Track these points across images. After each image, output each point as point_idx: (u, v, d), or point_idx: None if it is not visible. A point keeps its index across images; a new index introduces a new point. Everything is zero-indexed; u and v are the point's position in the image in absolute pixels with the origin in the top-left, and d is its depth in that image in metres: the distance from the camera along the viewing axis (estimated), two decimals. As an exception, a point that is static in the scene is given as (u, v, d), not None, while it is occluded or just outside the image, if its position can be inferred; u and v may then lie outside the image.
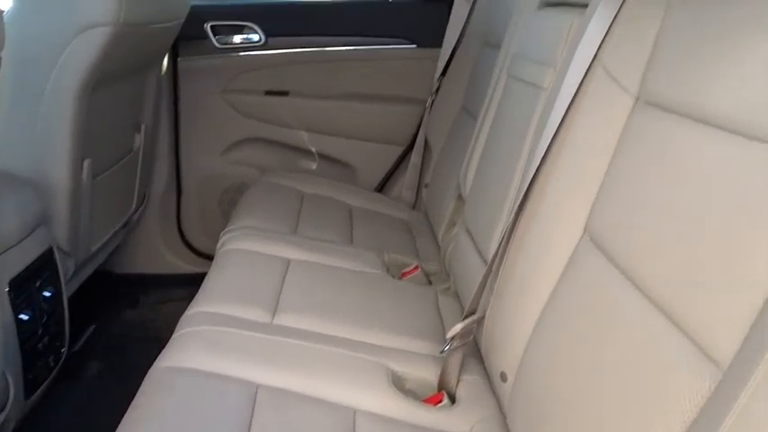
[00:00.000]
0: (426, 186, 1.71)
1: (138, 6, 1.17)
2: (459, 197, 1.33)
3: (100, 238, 1.49)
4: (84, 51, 1.12)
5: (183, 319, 0.97)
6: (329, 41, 1.81)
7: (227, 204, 1.95)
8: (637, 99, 0.70)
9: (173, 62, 1.80)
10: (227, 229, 1.40)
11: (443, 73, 1.73)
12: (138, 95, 1.60)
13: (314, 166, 1.93)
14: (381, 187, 1.94)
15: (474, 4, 1.67)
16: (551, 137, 0.79)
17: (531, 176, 0.81)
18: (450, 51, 1.72)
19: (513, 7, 1.26)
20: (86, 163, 1.28)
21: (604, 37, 0.76)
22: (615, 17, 0.75)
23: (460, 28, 1.70)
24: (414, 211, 1.77)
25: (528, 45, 1.06)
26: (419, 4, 1.86)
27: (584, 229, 0.73)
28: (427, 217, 1.63)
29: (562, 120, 0.78)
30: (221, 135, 1.90)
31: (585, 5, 0.87)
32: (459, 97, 1.61)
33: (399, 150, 1.89)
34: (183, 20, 1.55)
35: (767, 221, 0.47)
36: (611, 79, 0.73)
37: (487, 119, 1.20)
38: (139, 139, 1.63)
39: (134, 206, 1.71)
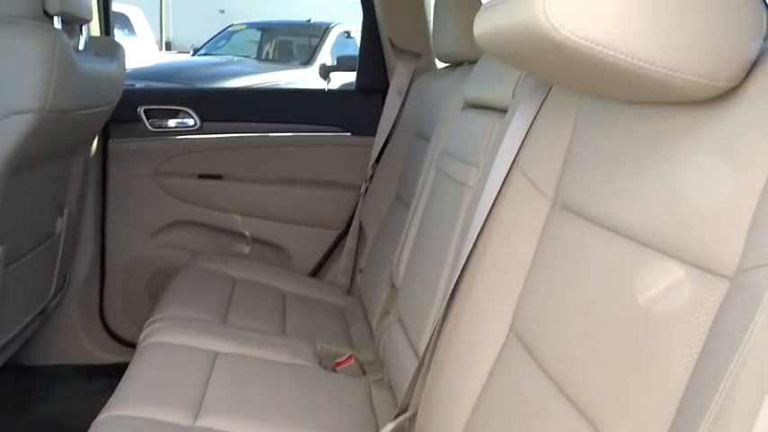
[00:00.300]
0: (361, 271, 1.71)
1: (66, 93, 1.15)
2: (393, 285, 1.33)
3: (10, 329, 1.38)
4: (5, 138, 1.08)
5: (94, 424, 0.90)
6: (265, 127, 1.84)
7: (156, 289, 1.88)
8: (553, 203, 0.73)
9: (102, 144, 1.76)
10: (151, 319, 1.34)
11: (377, 160, 1.78)
12: (63, 178, 1.54)
13: (247, 249, 1.90)
14: (316, 272, 1.92)
15: (406, 97, 1.75)
16: (476, 235, 0.81)
17: (459, 272, 0.83)
18: (383, 140, 1.77)
19: (441, 105, 1.32)
20: (0, 251, 1.21)
21: (522, 142, 0.80)
22: (532, 123, 0.80)
23: (393, 119, 1.77)
24: (348, 296, 1.76)
25: (454, 143, 1.11)
26: (354, 94, 1.93)
27: (510, 328, 0.75)
28: (362, 302, 1.62)
29: (486, 218, 0.81)
30: (151, 218, 1.85)
31: (505, 110, 0.93)
32: (393, 185, 1.65)
33: (334, 235, 1.89)
34: (114, 104, 1.53)
35: (662, 331, 0.49)
36: (529, 182, 0.77)
37: (418, 210, 1.23)
38: (62, 223, 1.57)
39: (52, 292, 1.61)
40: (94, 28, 1.69)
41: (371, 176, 1.78)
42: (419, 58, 1.78)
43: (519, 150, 0.80)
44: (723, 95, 0.49)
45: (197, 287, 1.56)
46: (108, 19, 1.73)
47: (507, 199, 0.79)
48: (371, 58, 1.86)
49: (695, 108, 0.53)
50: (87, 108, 1.31)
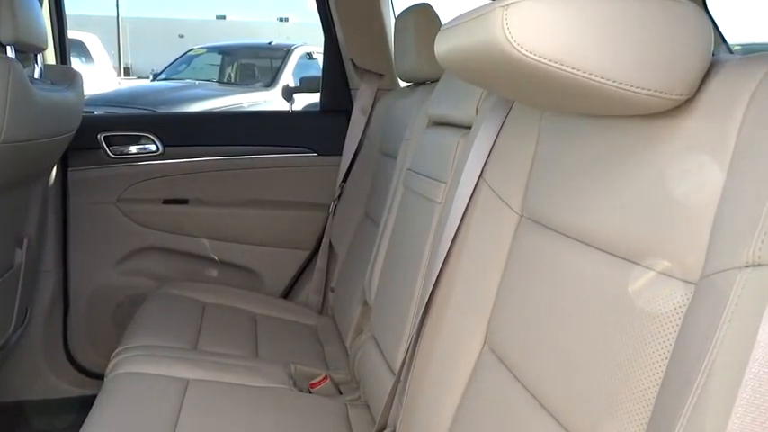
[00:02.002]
0: (332, 291, 1.70)
1: (21, 124, 1.12)
2: (366, 303, 1.33)
3: None
4: None
5: None
6: (230, 150, 1.83)
7: (122, 318, 1.83)
8: (521, 216, 0.75)
9: (62, 173, 1.73)
10: (118, 349, 1.31)
11: (345, 179, 1.78)
12: (22, 209, 1.50)
13: (216, 274, 1.87)
14: (287, 293, 1.90)
15: (370, 116, 1.77)
16: (447, 250, 0.82)
17: (432, 287, 0.83)
18: (350, 159, 1.78)
19: (406, 123, 1.34)
20: None
21: (488, 157, 0.82)
22: (496, 139, 0.82)
23: (359, 138, 1.78)
24: (321, 316, 1.74)
25: (421, 160, 1.12)
26: (319, 115, 1.94)
27: (485, 341, 0.75)
28: (335, 322, 1.61)
29: (456, 233, 0.82)
30: (115, 246, 1.81)
31: (469, 127, 0.94)
32: (362, 203, 1.65)
33: (304, 255, 1.88)
34: (73, 132, 1.51)
35: (633, 338, 0.51)
36: (495, 197, 0.78)
37: (388, 227, 1.24)
38: (21, 255, 1.52)
39: (12, 327, 1.56)
40: (50, 56, 1.66)
41: (339, 195, 1.78)
42: (382, 78, 1.80)
43: (485, 166, 0.81)
44: (678, 107, 0.51)
45: (165, 314, 1.53)
46: (64, 46, 1.71)
47: (476, 214, 0.81)
48: (334, 78, 1.88)
49: (652, 120, 0.55)
50: (44, 137, 1.28)
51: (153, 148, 1.78)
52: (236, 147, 1.82)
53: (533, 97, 0.65)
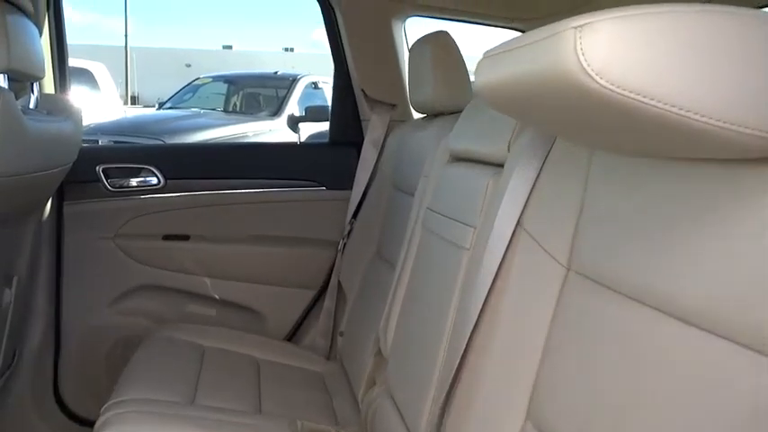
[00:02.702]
0: (341, 334, 1.59)
1: (10, 156, 1.04)
2: (380, 352, 1.22)
3: None
4: None
5: None
6: (234, 184, 1.74)
7: (116, 361, 1.72)
8: (568, 269, 0.65)
9: (57, 207, 1.64)
10: (109, 403, 1.20)
11: (355, 215, 1.69)
12: (12, 245, 1.41)
13: (217, 314, 1.77)
14: (292, 335, 1.79)
15: (382, 149, 1.68)
16: (481, 305, 0.72)
17: (464, 347, 0.73)
18: (360, 194, 1.69)
19: (423, 158, 1.25)
20: None
21: (526, 200, 0.72)
22: (536, 180, 0.72)
23: (370, 172, 1.69)
24: (329, 361, 1.63)
25: (443, 200, 1.03)
26: (328, 147, 1.85)
27: (527, 416, 0.65)
28: (344, 369, 1.50)
29: (491, 287, 0.72)
30: (111, 284, 1.71)
31: (500, 165, 0.85)
32: (373, 240, 1.55)
33: (311, 295, 1.78)
34: (69, 165, 1.42)
35: (704, 416, 0.41)
36: (537, 246, 0.68)
37: (405, 271, 1.14)
38: (9, 295, 1.42)
39: None
40: (49, 85, 1.58)
41: (349, 232, 1.68)
42: (394, 108, 1.72)
43: (523, 211, 0.72)
44: None
45: (161, 361, 1.43)
46: (64, 76, 1.63)
47: (514, 265, 0.71)
48: (344, 109, 1.80)
49: (741, 164, 0.45)
50: (37, 171, 1.19)
51: (154, 180, 1.69)
52: (241, 180, 1.73)
53: (589, 134, 0.56)
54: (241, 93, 7.34)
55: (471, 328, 0.72)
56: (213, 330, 1.64)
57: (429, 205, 1.09)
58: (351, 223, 1.68)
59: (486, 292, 0.71)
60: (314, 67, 7.94)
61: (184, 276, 1.74)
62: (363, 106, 1.75)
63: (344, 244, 1.69)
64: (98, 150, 1.65)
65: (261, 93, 7.40)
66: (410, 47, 1.44)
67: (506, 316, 0.70)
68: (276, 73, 7.91)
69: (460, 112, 1.31)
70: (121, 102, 10.29)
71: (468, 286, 0.79)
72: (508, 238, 0.71)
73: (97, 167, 1.65)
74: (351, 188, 1.72)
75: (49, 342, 1.67)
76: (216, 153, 1.79)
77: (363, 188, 1.68)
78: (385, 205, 1.54)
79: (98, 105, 7.09)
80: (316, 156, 1.81)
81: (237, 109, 7.16)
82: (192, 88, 7.54)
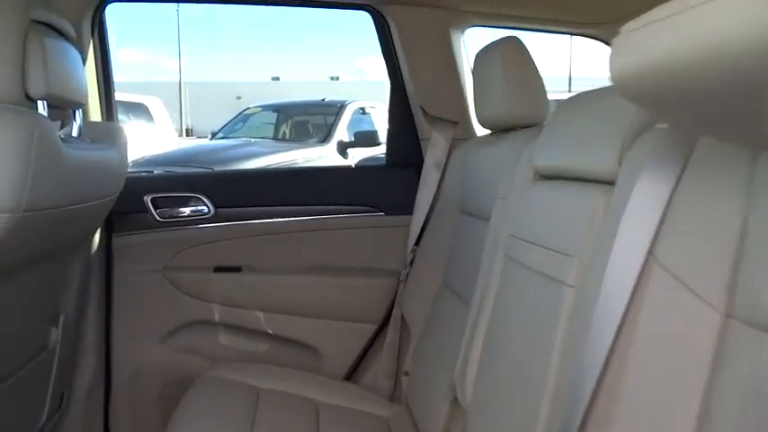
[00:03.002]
0: (407, 374, 1.44)
1: (48, 188, 0.95)
2: (456, 400, 1.07)
3: None
4: None
5: None
6: (287, 211, 1.63)
7: (168, 402, 1.62)
8: (726, 316, 0.49)
9: (106, 239, 1.57)
10: None
11: (417, 242, 1.55)
12: (59, 282, 1.33)
13: (272, 352, 1.65)
14: (351, 374, 1.65)
15: (445, 170, 1.54)
16: (604, 358, 0.56)
17: (584, 410, 0.57)
18: (422, 219, 1.55)
19: (497, 177, 1.10)
20: None
21: (659, 226, 0.56)
22: (671, 199, 0.57)
23: (432, 195, 1.55)
24: (393, 404, 1.48)
25: (530, 226, 0.88)
26: (385, 170, 1.73)
27: None
28: (412, 415, 1.35)
29: (617, 336, 0.56)
30: (161, 319, 1.62)
31: (608, 182, 0.70)
32: (439, 270, 1.41)
33: (371, 330, 1.64)
34: (116, 195, 1.35)
35: None
36: (679, 284, 0.53)
37: (485, 307, 0.99)
38: (56, 334, 1.34)
39: (45, 416, 1.36)
40: (95, 114, 1.53)
41: (412, 261, 1.54)
42: (456, 126, 1.59)
43: (655, 238, 0.56)
44: None
45: (214, 403, 1.32)
46: (110, 103, 1.57)
47: (646, 308, 0.55)
48: (402, 129, 1.67)
49: None
50: (80, 202, 1.11)
51: (203, 209, 1.60)
52: (294, 207, 1.63)
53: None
54: (290, 121, 7.41)
55: (594, 385, 0.56)
56: (267, 369, 1.52)
57: (512, 231, 0.94)
58: (413, 251, 1.54)
59: (611, 344, 0.56)
60: (359, 94, 7.93)
61: (237, 311, 1.63)
62: (422, 125, 1.62)
63: (407, 274, 1.55)
64: (145, 180, 1.58)
65: (309, 120, 7.45)
66: (475, 56, 1.31)
67: (643, 373, 0.54)
68: (323, 100, 7.95)
69: (536, 125, 1.16)
70: (176, 134, 10.57)
71: (578, 332, 0.64)
72: (636, 273, 0.56)
73: (145, 197, 1.57)
74: (411, 213, 1.59)
75: (99, 383, 1.58)
76: (267, 179, 1.69)
77: (426, 213, 1.55)
78: (451, 231, 1.40)
79: (153, 138, 7.27)
80: (373, 179, 1.69)
81: (287, 137, 7.21)
82: (242, 118, 7.66)
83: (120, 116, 7.39)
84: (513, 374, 0.81)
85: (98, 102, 1.53)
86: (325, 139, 6.73)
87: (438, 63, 1.57)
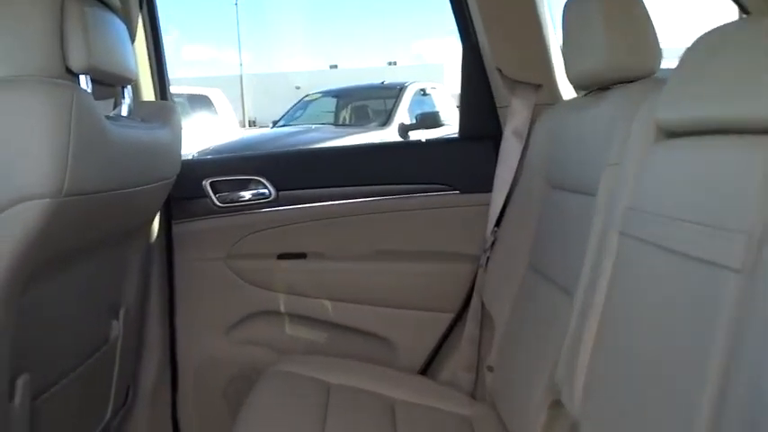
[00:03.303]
0: (491, 369, 1.29)
1: (91, 169, 0.85)
2: (559, 404, 0.91)
3: None
4: (13, 232, 0.79)
5: None
6: (354, 192, 1.50)
7: (236, 396, 1.54)
8: None
9: (166, 227, 1.49)
10: None
11: (498, 223, 1.39)
12: (116, 273, 1.26)
13: (341, 344, 1.54)
14: (426, 368, 1.52)
15: (528, 139, 1.37)
16: None
17: None
18: (503, 197, 1.39)
19: (599, 143, 0.93)
20: (21, 381, 0.91)
21: None
22: None
23: (514, 169, 1.38)
24: (476, 402, 1.34)
25: (659, 197, 0.70)
26: (458, 143, 1.56)
27: None
28: (498, 414, 1.20)
29: None
30: (225, 310, 1.54)
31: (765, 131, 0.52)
32: (524, 252, 1.24)
33: (448, 319, 1.50)
34: (172, 179, 1.25)
35: None
36: None
37: (595, 296, 0.82)
38: (118, 327, 1.27)
39: (110, 410, 1.30)
40: (148, 93, 1.44)
41: (492, 243, 1.38)
42: (539, 90, 1.41)
43: None
44: None
45: (282, 399, 1.22)
46: (163, 83, 1.48)
47: None
48: (476, 97, 1.50)
49: None
50: (130, 186, 1.02)
51: (265, 192, 1.50)
52: (361, 187, 1.49)
53: None
54: (350, 106, 7.34)
55: None
56: (338, 363, 1.41)
57: (631, 204, 0.77)
58: (494, 232, 1.38)
59: None
60: (419, 77, 7.76)
61: (303, 300, 1.53)
62: (500, 91, 1.45)
63: (487, 258, 1.39)
64: (203, 163, 1.49)
65: (369, 104, 7.36)
66: (564, 6, 1.12)
67: None
68: (383, 83, 7.82)
69: (649, 76, 0.98)
70: (239, 125, 10.72)
71: (752, 330, 0.47)
72: None
73: (204, 182, 1.48)
74: (490, 190, 1.42)
75: (164, 377, 1.52)
76: (331, 158, 1.56)
77: (507, 189, 1.38)
78: (538, 209, 1.23)
79: (217, 129, 7.37)
80: (446, 154, 1.53)
81: (347, 122, 7.14)
82: (302, 105, 7.66)
83: (184, 108, 7.53)
84: (647, 385, 0.65)
85: (150, 81, 1.44)
86: (385, 122, 6.63)
87: (518, 19, 1.39)
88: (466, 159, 1.49)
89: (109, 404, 1.29)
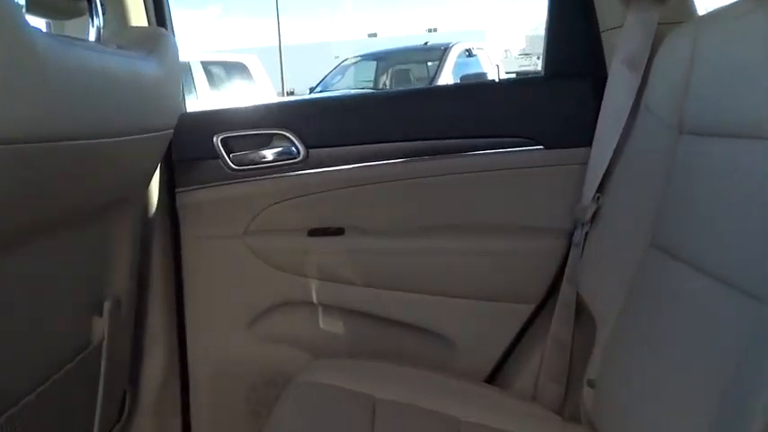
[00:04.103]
0: (592, 386, 0.95)
1: (24, 109, 0.55)
2: None
3: None
4: None
5: None
6: (404, 150, 1.16)
7: (260, 405, 1.25)
8: None
9: (168, 197, 1.19)
10: None
11: (600, 188, 1.03)
12: (96, 257, 0.97)
13: (388, 343, 1.22)
14: (494, 374, 1.19)
15: (647, 73, 0.99)
16: None
17: None
18: (609, 153, 1.02)
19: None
20: None
21: None
22: None
23: (624, 114, 1.01)
24: (568, 424, 1.00)
25: None
26: (542, 84, 1.18)
27: None
28: None
29: None
30: (245, 300, 1.24)
31: None
32: (644, 227, 0.89)
33: (526, 312, 1.16)
34: (166, 132, 0.94)
35: None
36: None
37: None
38: (102, 326, 0.98)
39: (96, 428, 1.03)
40: (138, 19, 1.12)
41: (594, 215, 1.03)
42: (663, 4, 1.02)
43: None
44: None
45: (314, 420, 0.92)
46: (161, 10, 1.16)
47: None
48: (571, 18, 1.13)
49: None
50: (93, 136, 0.71)
51: (292, 150, 1.17)
52: (415, 142, 1.15)
53: None
54: (390, 70, 6.99)
55: None
56: (384, 369, 1.09)
57: None
58: (596, 200, 1.02)
59: None
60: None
61: (341, 288, 1.21)
62: (605, 7, 1.08)
63: (585, 234, 1.04)
64: (214, 115, 1.17)
65: (411, 68, 7.00)
66: None
67: None
68: (426, 44, 7.41)
69: None
70: (275, 93, 10.45)
71: None
72: None
73: (215, 138, 1.16)
74: (588, 144, 1.06)
75: (172, 384, 1.24)
76: (375, 107, 1.21)
77: (614, 141, 1.01)
78: (664, 167, 0.87)
79: (254, 96, 7.14)
80: (524, 97, 1.16)
81: (387, 86, 6.81)
82: (340, 70, 7.34)
83: (221, 76, 7.28)
84: None
85: (142, 5, 1.12)
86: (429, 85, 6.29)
87: None
88: (554, 104, 1.13)
89: (94, 421, 1.01)
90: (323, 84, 7.06)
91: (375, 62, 7.08)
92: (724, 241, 0.70)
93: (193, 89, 6.50)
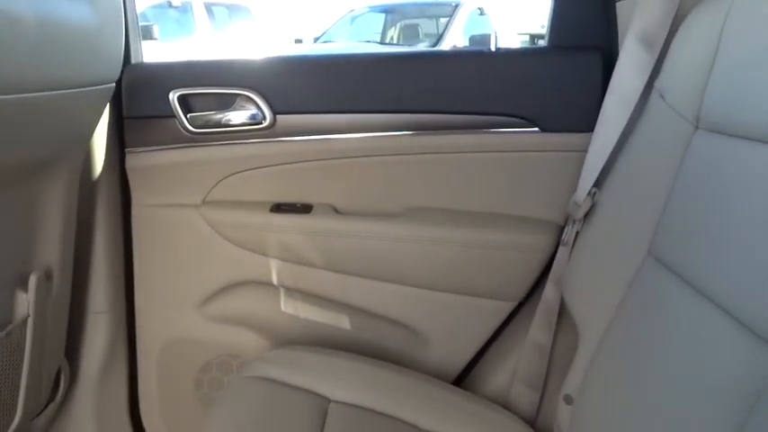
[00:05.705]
0: (568, 402, 0.86)
1: None
2: None
3: None
4: None
5: None
6: (385, 123, 1.03)
7: (210, 390, 1.17)
8: None
9: (118, 160, 1.06)
10: None
11: (597, 182, 0.91)
12: (19, 224, 0.85)
13: (354, 332, 1.12)
14: (466, 373, 1.10)
15: (663, 54, 0.85)
16: None
17: None
18: (612, 141, 0.89)
19: None
20: None
21: None
22: None
23: (634, 98, 0.88)
24: (539, 441, 0.92)
25: None
26: (544, 56, 1.04)
27: None
28: None
29: None
30: (198, 277, 1.13)
31: None
32: (643, 233, 0.77)
33: (506, 311, 1.06)
34: (104, 86, 0.81)
35: None
36: None
37: None
38: (26, 301, 0.88)
39: (19, 412, 0.93)
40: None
41: (588, 212, 0.91)
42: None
43: None
44: None
45: (259, 422, 0.83)
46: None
47: None
48: None
49: None
50: (18, 91, 0.59)
51: (257, 115, 1.05)
52: (398, 115, 1.02)
53: None
54: (399, 24, 6.75)
55: None
56: (345, 365, 0.99)
57: None
58: (591, 194, 0.90)
59: None
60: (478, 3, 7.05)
61: (305, 270, 1.10)
62: (619, -26, 0.93)
63: (576, 232, 0.92)
64: (170, 68, 1.03)
65: (420, 23, 6.76)
66: None
67: None
68: (437, -1, 7.12)
69: None
70: (279, 39, 10.13)
71: None
72: None
73: (171, 95, 1.03)
74: (589, 129, 0.94)
75: (117, 358, 1.14)
76: (355, 70, 1.07)
77: (620, 129, 0.88)
78: (674, 165, 0.75)
79: (253, 37, 6.93)
80: (524, 72, 1.02)
81: (395, 41, 6.58)
82: (347, 20, 7.07)
83: (224, 17, 7.03)
84: None
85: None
86: (436, 43, 6.10)
87: None
88: (555, 81, 0.99)
89: (17, 403, 0.92)
90: (328, 34, 6.81)
91: (384, 14, 6.83)
92: (729, 265, 0.59)
93: (193, 28, 6.28)
